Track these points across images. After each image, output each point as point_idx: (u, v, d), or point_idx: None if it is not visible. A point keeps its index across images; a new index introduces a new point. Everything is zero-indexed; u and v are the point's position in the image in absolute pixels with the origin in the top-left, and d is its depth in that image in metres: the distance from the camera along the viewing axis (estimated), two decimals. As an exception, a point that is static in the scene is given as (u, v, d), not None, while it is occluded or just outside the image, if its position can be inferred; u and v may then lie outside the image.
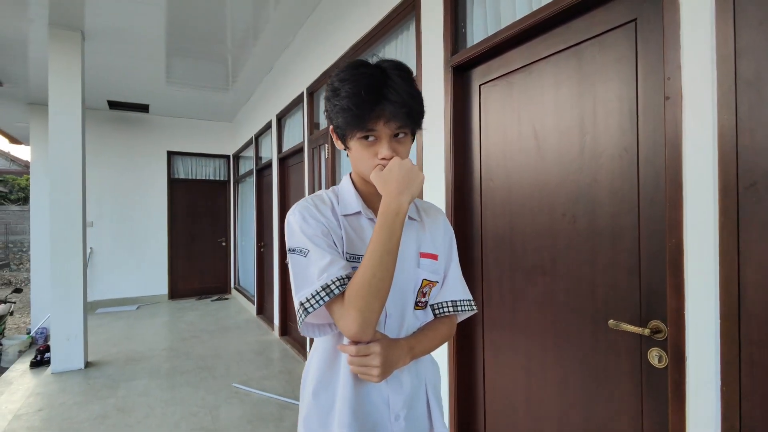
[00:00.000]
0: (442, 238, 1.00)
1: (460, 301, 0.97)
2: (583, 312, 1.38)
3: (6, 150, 16.64)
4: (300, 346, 4.03)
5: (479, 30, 1.82)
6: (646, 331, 1.16)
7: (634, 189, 1.23)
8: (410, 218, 0.96)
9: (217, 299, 6.79)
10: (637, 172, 1.23)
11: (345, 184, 0.96)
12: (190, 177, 7.04)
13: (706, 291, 1.01)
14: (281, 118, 4.53)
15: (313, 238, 0.83)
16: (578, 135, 1.39)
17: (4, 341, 4.86)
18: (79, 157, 3.70)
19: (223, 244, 7.23)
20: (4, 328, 5.39)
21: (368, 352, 0.79)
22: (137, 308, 6.18)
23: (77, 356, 3.71)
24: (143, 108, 6.20)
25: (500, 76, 1.70)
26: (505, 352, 1.71)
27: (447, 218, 1.07)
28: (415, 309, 0.92)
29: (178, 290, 6.81)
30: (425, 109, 0.89)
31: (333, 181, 3.22)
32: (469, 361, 1.89)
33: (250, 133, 5.82)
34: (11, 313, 5.77)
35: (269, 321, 5.01)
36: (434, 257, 0.96)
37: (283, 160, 4.53)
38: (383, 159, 0.83)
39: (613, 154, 1.29)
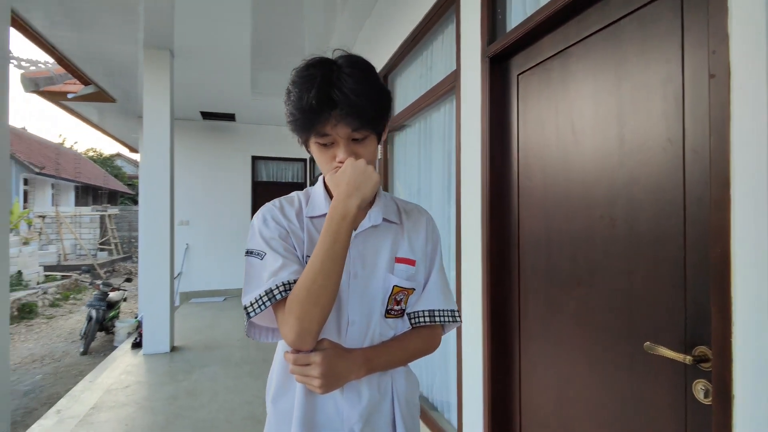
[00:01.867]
0: (424, 242, 0.92)
1: (439, 311, 0.89)
2: (621, 330, 1.19)
3: (134, 158, 19.35)
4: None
5: (518, 14, 1.68)
6: (689, 359, 0.96)
7: (679, 187, 1.03)
8: (388, 221, 0.90)
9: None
10: (682, 167, 1.02)
11: (317, 186, 0.93)
12: (271, 180, 7.53)
13: (759, 313, 0.80)
14: (345, 121, 4.64)
15: (270, 241, 0.81)
16: (616, 125, 1.21)
17: (118, 324, 5.62)
18: (167, 163, 4.14)
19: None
20: (118, 313, 6.25)
21: (307, 361, 0.75)
22: (224, 300, 6.75)
23: (164, 341, 4.15)
24: (230, 117, 6.78)
25: (538, 64, 1.54)
26: (541, 367, 1.55)
27: (433, 221, 0.98)
28: (386, 317, 0.86)
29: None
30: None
31: (385, 181, 3.21)
32: (505, 373, 1.74)
33: (322, 137, 6.05)
34: (124, 299, 6.67)
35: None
36: (411, 263, 0.88)
37: (346, 162, 4.63)
38: (340, 162, 0.79)
39: (655, 146, 1.09)
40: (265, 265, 0.79)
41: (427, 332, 0.90)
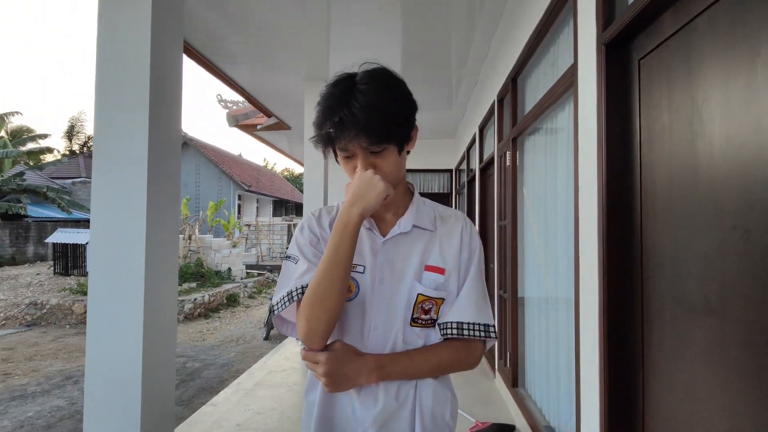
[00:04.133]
0: (457, 250, 0.87)
1: (468, 324, 0.83)
2: (763, 375, 0.89)
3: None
4: (489, 359, 3.89)
5: (638, -10, 1.42)
6: None
7: (838, 186, 0.74)
8: (420, 228, 0.89)
9: (438, 304, 7.27)
10: (843, 158, 0.73)
11: None
12: (420, 191, 7.82)
13: None
14: (482, 128, 4.54)
15: (302, 247, 0.88)
16: (753, 112, 0.92)
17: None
18: (321, 176, 4.72)
19: (446, 252, 7.68)
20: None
21: (314, 360, 0.79)
22: (374, 304, 7.28)
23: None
24: (381, 133, 7.33)
25: (660, 44, 1.28)
26: (666, 412, 1.25)
27: (473, 228, 0.92)
28: (412, 325, 0.84)
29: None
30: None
31: (514, 190, 3.03)
32: (626, 414, 1.46)
33: (464, 147, 6.03)
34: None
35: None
36: (440, 271, 0.85)
37: (483, 171, 4.52)
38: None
39: (803, 130, 0.80)
40: (295, 269, 0.86)
41: (459, 345, 0.85)
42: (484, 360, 4.14)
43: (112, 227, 1.61)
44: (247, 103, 6.40)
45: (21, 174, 13.39)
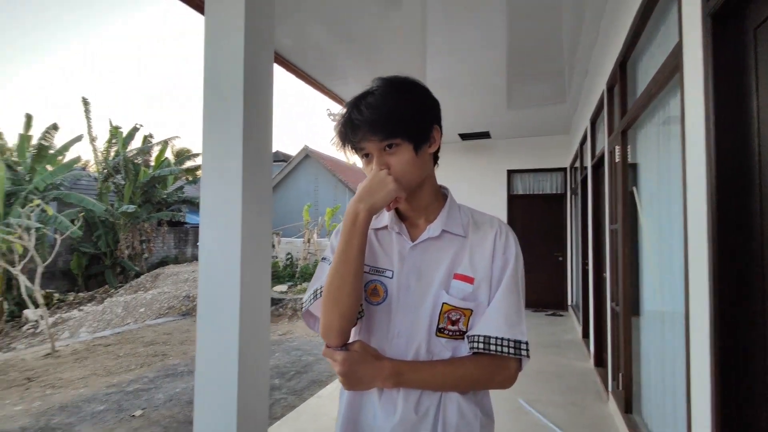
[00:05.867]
0: (489, 259, 0.83)
1: (496, 339, 0.77)
2: None
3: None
4: (604, 379, 3.47)
5: (753, -56, 1.17)
6: None
7: None
8: (452, 233, 0.86)
9: (551, 314, 6.74)
10: None
11: None
12: (528, 192, 7.38)
13: None
14: (593, 121, 4.11)
15: (335, 249, 0.91)
16: None
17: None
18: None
19: (560, 258, 7.09)
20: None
21: (330, 357, 0.81)
22: (480, 310, 7.04)
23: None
24: (485, 135, 7.09)
25: (781, 5, 1.04)
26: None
27: (509, 236, 0.85)
28: (437, 335, 0.82)
29: (516, 299, 7.24)
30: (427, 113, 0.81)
31: (624, 189, 2.69)
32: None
33: (577, 142, 5.52)
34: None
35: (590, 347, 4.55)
36: (469, 280, 0.81)
37: (596, 168, 4.09)
38: None
39: None
40: (325, 269, 0.90)
41: (488, 361, 0.80)
42: (597, 380, 3.72)
43: (215, 233, 1.86)
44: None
45: (181, 188, 16.06)
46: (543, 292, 7.13)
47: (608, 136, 3.17)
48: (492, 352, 0.79)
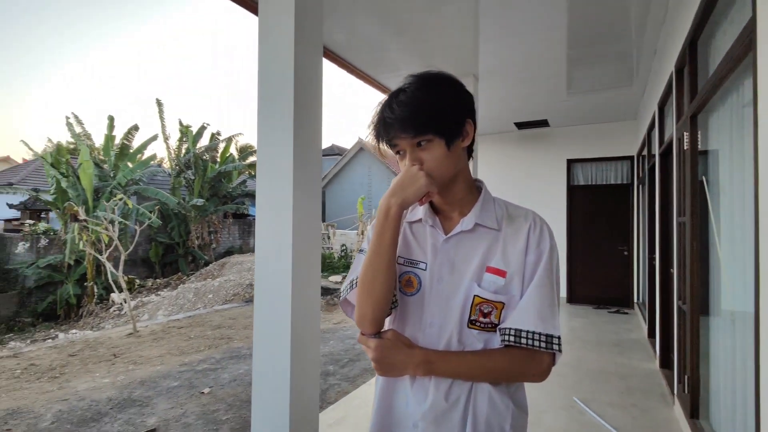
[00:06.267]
0: (522, 252, 0.83)
1: (527, 332, 0.78)
2: None
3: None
4: (669, 381, 3.25)
5: None
6: None
7: None
8: (485, 227, 0.86)
9: (615, 312, 6.39)
10: None
11: None
12: (589, 183, 7.00)
13: None
14: (662, 106, 3.81)
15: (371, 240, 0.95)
16: None
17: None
18: (471, 169, 4.70)
19: (625, 253, 6.67)
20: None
21: (364, 344, 0.85)
22: (537, 305, 6.81)
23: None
24: (543, 123, 6.80)
25: None
26: None
27: (544, 229, 0.84)
28: (469, 327, 0.83)
29: (575, 295, 6.93)
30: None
31: (694, 179, 2.48)
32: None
33: (645, 129, 5.15)
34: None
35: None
36: (501, 274, 0.82)
37: (664, 157, 3.80)
38: None
39: None
40: (362, 261, 0.94)
41: (520, 354, 0.80)
42: (663, 383, 3.49)
43: (269, 226, 1.97)
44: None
45: (244, 182, 16.99)
46: (606, 288, 6.76)
47: (677, 121, 2.94)
48: (523, 346, 0.79)
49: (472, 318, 0.83)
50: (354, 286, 0.91)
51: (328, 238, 15.59)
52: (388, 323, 0.93)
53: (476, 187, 0.94)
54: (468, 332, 0.84)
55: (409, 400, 0.87)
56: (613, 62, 4.36)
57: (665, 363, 3.70)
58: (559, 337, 0.80)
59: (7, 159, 25.27)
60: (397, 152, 0.87)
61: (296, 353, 1.92)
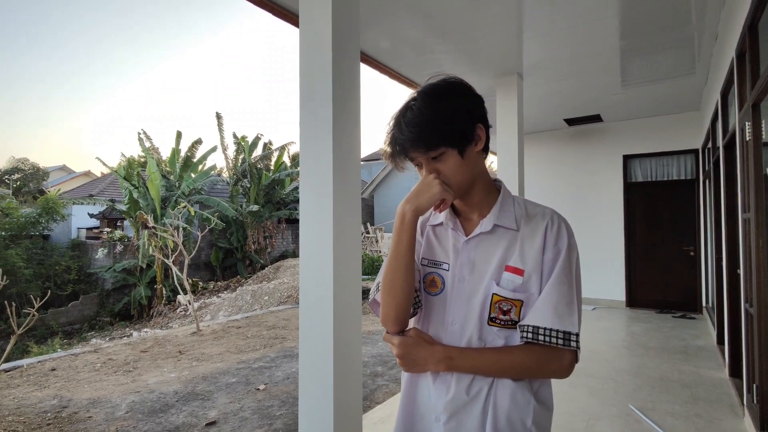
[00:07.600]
0: (539, 251, 0.85)
1: (545, 329, 0.79)
2: None
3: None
4: (740, 391, 2.99)
5: None
6: None
7: None
8: (504, 227, 0.89)
9: (680, 316, 5.96)
10: None
11: None
12: (648, 179, 6.59)
13: None
14: (724, 95, 3.54)
15: None
16: None
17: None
18: (516, 168, 4.59)
19: (692, 253, 6.20)
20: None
21: (389, 341, 0.90)
22: (593, 309, 6.50)
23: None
24: (595, 118, 6.50)
25: None
26: None
27: (562, 227, 0.85)
28: (489, 324, 0.86)
29: (636, 299, 6.54)
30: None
31: (758, 172, 2.30)
32: None
33: (708, 120, 4.79)
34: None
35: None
36: (519, 272, 0.84)
37: (728, 149, 3.52)
38: None
39: None
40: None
41: (540, 351, 0.82)
42: (732, 393, 3.23)
43: (311, 232, 2.07)
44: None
45: (297, 188, 17.68)
46: (670, 292, 6.32)
47: (739, 110, 2.73)
48: (541, 342, 0.81)
49: (492, 315, 0.86)
50: (379, 288, 0.97)
51: (377, 241, 15.77)
52: (413, 323, 0.97)
53: (495, 188, 0.96)
54: (488, 329, 0.86)
55: (431, 393, 0.90)
56: (672, 50, 4.08)
57: (735, 371, 3.41)
58: (577, 335, 0.80)
59: (88, 173, 27.97)
60: (417, 165, 0.92)
61: (339, 353, 2.00)
